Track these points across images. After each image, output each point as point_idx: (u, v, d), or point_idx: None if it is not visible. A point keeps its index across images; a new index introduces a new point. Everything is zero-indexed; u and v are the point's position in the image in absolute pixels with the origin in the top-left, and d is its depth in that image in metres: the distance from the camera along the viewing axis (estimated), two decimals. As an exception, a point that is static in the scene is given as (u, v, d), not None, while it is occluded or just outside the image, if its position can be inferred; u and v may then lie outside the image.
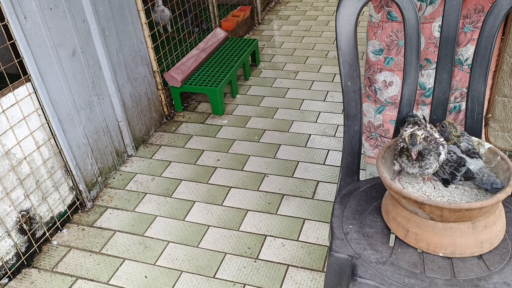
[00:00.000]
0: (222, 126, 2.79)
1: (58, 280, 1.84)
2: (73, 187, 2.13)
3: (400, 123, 1.29)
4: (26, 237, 1.90)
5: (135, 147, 2.55)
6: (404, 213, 1.09)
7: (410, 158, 1.08)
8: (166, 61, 3.02)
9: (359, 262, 1.09)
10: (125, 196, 2.26)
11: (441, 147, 1.08)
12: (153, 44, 2.64)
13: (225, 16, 3.77)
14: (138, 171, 2.43)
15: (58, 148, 2.00)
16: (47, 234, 2.00)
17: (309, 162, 2.39)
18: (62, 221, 2.09)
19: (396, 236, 1.13)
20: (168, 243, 1.97)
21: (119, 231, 2.05)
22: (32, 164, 1.88)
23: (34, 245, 1.94)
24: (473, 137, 1.21)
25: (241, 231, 1.99)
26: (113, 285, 1.80)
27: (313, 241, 1.91)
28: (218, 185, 2.29)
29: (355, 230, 1.17)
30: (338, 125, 2.67)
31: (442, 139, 1.11)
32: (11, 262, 1.85)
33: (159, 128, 2.81)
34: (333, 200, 2.10)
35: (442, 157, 1.08)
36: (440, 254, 1.06)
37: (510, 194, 1.03)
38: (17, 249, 1.86)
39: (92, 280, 1.82)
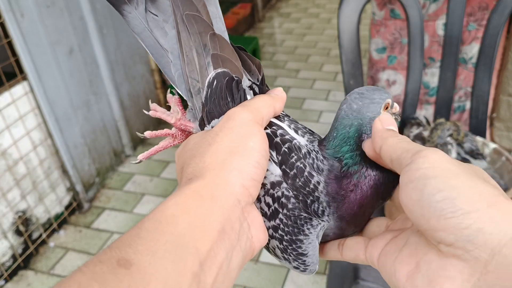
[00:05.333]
0: (222, 125, 2.76)
1: (55, 282, 1.81)
2: (70, 188, 2.10)
3: (403, 123, 1.27)
4: (22, 238, 1.87)
5: (133, 147, 2.52)
6: (408, 216, 1.06)
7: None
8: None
9: (362, 264, 1.06)
10: (123, 197, 2.23)
11: (449, 146, 1.06)
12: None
13: (225, 13, 3.74)
14: (136, 171, 2.40)
15: (55, 148, 1.98)
16: (44, 235, 1.97)
17: (310, 162, 2.36)
18: (59, 222, 2.06)
19: (399, 240, 1.10)
20: (166, 245, 1.94)
21: (116, 232, 2.02)
22: (28, 165, 1.86)
23: (31, 246, 1.91)
24: (477, 137, 1.18)
25: (241, 232, 1.97)
26: None
27: (314, 243, 1.88)
28: (217, 185, 2.26)
29: (358, 233, 1.14)
30: (339, 125, 2.64)
31: (448, 138, 1.08)
32: (7, 264, 1.82)
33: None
34: (334, 201, 2.07)
35: (453, 156, 1.06)
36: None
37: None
38: (13, 251, 1.84)
39: (89, 282, 1.80)
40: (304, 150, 0.41)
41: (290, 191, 0.40)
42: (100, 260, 0.29)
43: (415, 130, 1.11)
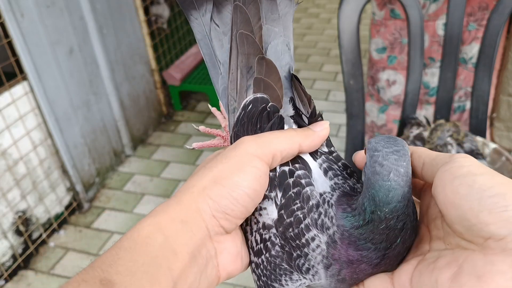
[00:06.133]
0: (222, 125, 2.75)
1: (55, 282, 1.81)
2: (70, 187, 2.10)
3: (403, 123, 1.27)
4: (22, 238, 1.87)
5: (133, 147, 2.52)
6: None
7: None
8: (165, 59, 2.99)
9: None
10: (123, 197, 2.23)
11: (449, 147, 1.05)
12: (152, 42, 2.61)
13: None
14: (136, 171, 2.40)
15: (55, 148, 1.98)
16: (44, 235, 1.97)
17: (310, 162, 2.36)
18: (59, 222, 2.06)
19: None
20: (166, 245, 1.93)
21: (116, 232, 2.02)
22: (28, 165, 1.86)
23: (31, 246, 1.91)
24: (477, 137, 1.18)
25: (241, 232, 1.96)
26: (110, 288, 1.77)
27: (314, 243, 1.88)
28: (217, 185, 2.25)
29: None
30: (340, 125, 2.64)
31: (448, 139, 1.08)
32: (7, 264, 1.82)
33: (158, 127, 2.78)
34: (334, 201, 2.07)
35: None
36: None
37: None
38: (13, 251, 1.83)
39: (89, 282, 1.80)
40: (313, 202, 0.38)
41: (277, 238, 0.39)
42: (83, 279, 0.31)
43: (415, 130, 1.11)
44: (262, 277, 0.40)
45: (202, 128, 0.51)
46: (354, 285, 0.39)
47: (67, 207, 2.10)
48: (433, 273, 0.34)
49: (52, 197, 2.01)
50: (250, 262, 0.42)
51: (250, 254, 0.41)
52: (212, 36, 0.45)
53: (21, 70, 1.77)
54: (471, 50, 1.54)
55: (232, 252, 0.39)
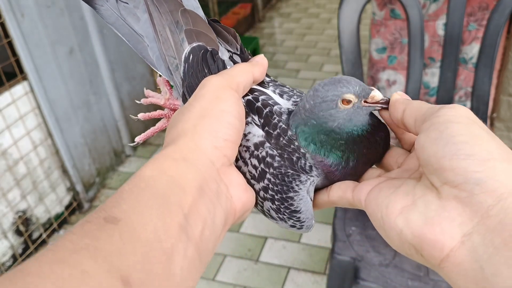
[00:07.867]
0: (222, 125, 2.75)
1: (55, 282, 1.81)
2: (70, 187, 2.10)
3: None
4: (22, 238, 1.87)
5: (133, 147, 2.52)
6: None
7: None
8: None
9: (362, 264, 1.07)
10: (124, 196, 2.22)
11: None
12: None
13: (225, 13, 3.74)
14: (136, 171, 2.39)
15: (55, 148, 1.98)
16: (44, 235, 1.97)
17: (310, 162, 2.36)
18: (59, 222, 2.06)
19: (399, 240, 1.10)
20: (167, 245, 1.93)
21: (117, 232, 2.02)
22: (28, 165, 1.86)
23: (31, 246, 1.91)
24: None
25: (241, 232, 1.97)
26: None
27: (314, 243, 1.88)
28: (218, 185, 2.25)
29: (358, 232, 1.14)
30: (339, 125, 2.64)
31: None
32: (7, 264, 1.82)
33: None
34: (334, 201, 2.07)
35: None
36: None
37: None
38: (13, 251, 1.84)
39: (89, 282, 1.80)
40: (285, 116, 0.41)
41: (274, 150, 0.40)
42: (87, 220, 0.30)
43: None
44: (276, 196, 0.41)
45: (141, 115, 0.51)
46: (331, 183, 0.42)
47: (67, 207, 2.11)
48: (388, 198, 0.34)
49: (52, 197, 2.01)
50: (256, 196, 0.42)
51: (253, 186, 0.41)
52: (124, 14, 0.46)
53: (21, 70, 1.77)
54: (471, 50, 1.54)
55: (241, 183, 0.39)
